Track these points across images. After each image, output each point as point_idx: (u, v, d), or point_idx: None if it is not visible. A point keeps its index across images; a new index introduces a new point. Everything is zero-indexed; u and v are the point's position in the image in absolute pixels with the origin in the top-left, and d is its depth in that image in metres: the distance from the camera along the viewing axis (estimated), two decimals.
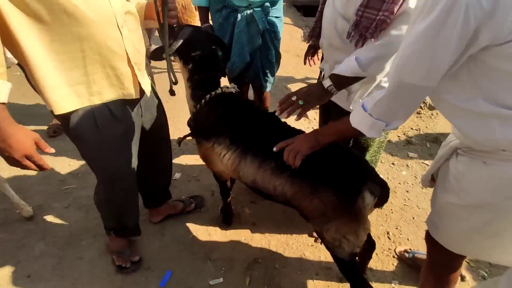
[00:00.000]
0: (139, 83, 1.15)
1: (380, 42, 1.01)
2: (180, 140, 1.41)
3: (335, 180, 1.04)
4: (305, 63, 1.65)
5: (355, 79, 1.08)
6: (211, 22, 1.77)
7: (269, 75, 1.87)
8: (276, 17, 1.73)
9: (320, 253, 1.66)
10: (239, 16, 1.63)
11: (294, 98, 1.09)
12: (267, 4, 1.64)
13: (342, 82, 1.08)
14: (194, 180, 2.11)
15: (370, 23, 0.99)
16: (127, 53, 1.04)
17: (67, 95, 0.97)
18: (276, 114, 1.11)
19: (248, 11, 1.63)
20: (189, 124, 1.38)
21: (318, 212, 1.05)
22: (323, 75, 1.46)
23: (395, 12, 0.95)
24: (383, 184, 1.03)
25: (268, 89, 1.94)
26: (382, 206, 1.03)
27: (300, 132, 1.19)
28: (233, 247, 1.67)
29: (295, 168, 0.98)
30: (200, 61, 1.28)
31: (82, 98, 1.00)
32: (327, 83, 1.08)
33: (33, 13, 0.83)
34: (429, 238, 1.02)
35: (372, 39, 1.01)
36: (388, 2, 0.95)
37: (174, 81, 1.20)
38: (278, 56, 1.85)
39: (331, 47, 1.23)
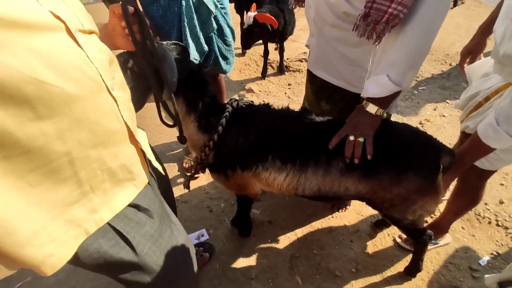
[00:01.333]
0: (144, 154, 0.77)
1: (404, 45, 0.87)
2: (187, 183, 1.14)
3: (412, 162, 0.98)
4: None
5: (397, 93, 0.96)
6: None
7: (229, 57, 1.64)
8: None
9: (342, 221, 1.69)
10: (183, 2, 1.30)
11: (352, 138, 0.95)
12: None
13: (385, 101, 0.96)
14: (180, 203, 1.83)
15: (381, 16, 0.84)
16: (126, 125, 0.67)
17: (57, 236, 0.56)
18: (346, 161, 0.98)
19: None
20: (200, 161, 1.11)
21: (399, 199, 1.00)
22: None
23: (409, 5, 0.81)
24: (452, 153, 1.01)
25: (229, 72, 1.72)
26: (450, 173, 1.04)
27: (338, 120, 1.07)
28: (265, 254, 1.55)
29: (366, 161, 0.89)
30: (196, 83, 1.00)
31: (83, 225, 0.60)
32: (373, 109, 0.96)
33: None
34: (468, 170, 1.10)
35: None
36: None
37: (180, 124, 0.91)
38: (233, 33, 1.62)
39: (320, 20, 1.09)
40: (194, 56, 1.41)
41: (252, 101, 1.16)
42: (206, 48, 1.45)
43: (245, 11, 3.06)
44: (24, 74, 0.44)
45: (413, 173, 0.98)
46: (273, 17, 2.20)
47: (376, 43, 0.93)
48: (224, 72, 1.68)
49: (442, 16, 0.85)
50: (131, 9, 0.68)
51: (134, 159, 0.71)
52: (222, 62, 1.59)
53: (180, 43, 1.05)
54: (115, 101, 0.62)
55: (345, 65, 1.15)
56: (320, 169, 1.01)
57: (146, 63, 0.74)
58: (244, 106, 1.11)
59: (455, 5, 4.21)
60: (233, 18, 1.95)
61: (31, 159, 0.50)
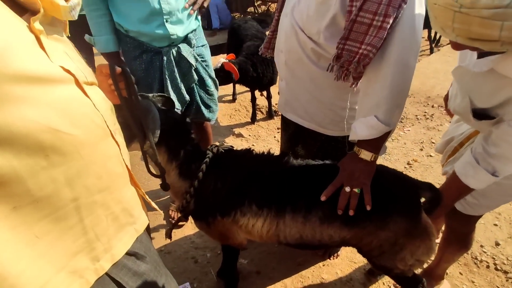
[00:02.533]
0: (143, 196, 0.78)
1: (384, 86, 0.91)
2: (170, 232, 1.11)
3: (392, 202, 0.96)
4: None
5: (386, 134, 0.98)
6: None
7: (212, 106, 1.69)
8: (202, 45, 1.55)
9: (334, 269, 1.60)
10: (164, 58, 1.39)
11: (348, 189, 0.94)
12: (190, 35, 1.44)
13: (377, 144, 0.97)
14: (163, 254, 1.74)
15: (353, 56, 0.89)
16: (127, 168, 0.69)
17: None
18: (339, 213, 0.96)
19: (173, 50, 1.41)
20: (182, 209, 1.09)
21: (388, 244, 0.96)
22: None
23: (378, 46, 0.87)
24: (431, 187, 1.00)
25: (213, 120, 1.76)
26: (434, 211, 1.00)
27: (331, 166, 1.05)
28: None
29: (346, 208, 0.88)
30: (179, 133, 1.03)
31: (85, 276, 0.58)
32: (367, 155, 0.96)
33: None
34: (452, 216, 1.12)
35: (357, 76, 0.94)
36: (371, 35, 0.86)
37: (163, 171, 0.91)
38: (215, 83, 1.69)
39: (292, 61, 1.13)
40: (176, 106, 1.46)
41: (232, 146, 1.17)
42: (187, 98, 1.51)
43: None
44: (42, 125, 0.46)
45: (395, 213, 0.95)
46: (236, 69, 2.35)
47: (354, 86, 0.98)
48: (208, 120, 1.72)
49: (415, 54, 0.91)
50: (118, 69, 0.73)
51: (134, 201, 0.71)
52: (205, 111, 1.64)
53: (165, 94, 1.10)
54: (118, 145, 0.65)
55: (316, 107, 1.16)
56: (299, 215, 0.98)
57: (130, 116, 0.77)
58: (223, 151, 1.12)
59: (431, 52, 4.50)
60: None
61: (39, 209, 0.49)
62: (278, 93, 1.32)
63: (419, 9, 0.88)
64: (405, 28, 0.87)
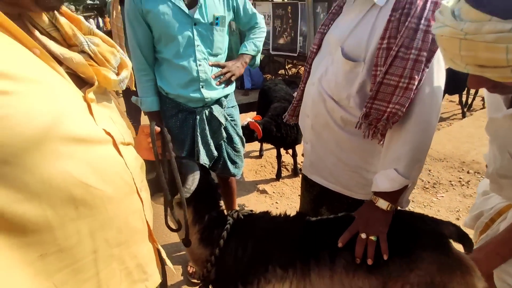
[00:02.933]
0: (159, 253, 0.80)
1: (405, 141, 0.95)
2: None
3: (417, 241, 0.91)
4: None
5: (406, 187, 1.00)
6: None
7: (238, 162, 1.77)
8: (232, 106, 1.69)
9: None
10: (197, 117, 1.53)
11: (364, 236, 0.94)
12: (222, 98, 1.59)
13: (395, 196, 0.98)
14: None
15: (381, 115, 0.95)
16: (147, 224, 0.73)
17: None
18: (357, 261, 0.94)
19: (206, 110, 1.55)
20: (202, 278, 1.08)
21: (424, 285, 0.87)
22: None
23: (406, 105, 0.92)
24: (451, 223, 0.95)
25: (239, 175, 1.81)
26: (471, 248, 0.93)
27: (349, 217, 1.04)
28: None
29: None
30: (208, 197, 1.09)
31: None
32: (384, 204, 0.97)
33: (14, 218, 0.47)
34: None
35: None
36: (398, 95, 0.92)
37: (187, 228, 0.93)
38: (242, 141, 1.79)
39: (319, 125, 1.18)
40: (204, 160, 1.55)
41: (251, 210, 1.19)
42: (215, 153, 1.60)
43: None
44: (78, 180, 0.53)
45: (420, 249, 0.89)
46: (260, 129, 2.48)
47: (381, 142, 1.01)
48: (233, 175, 1.78)
49: (436, 112, 0.96)
50: (157, 129, 0.82)
51: (149, 258, 0.73)
52: (231, 166, 1.71)
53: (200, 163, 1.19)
54: (142, 201, 0.69)
55: (342, 169, 1.18)
56: (325, 268, 0.94)
57: (162, 172, 0.83)
58: (243, 216, 1.13)
59: (463, 116, 4.43)
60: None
61: (61, 258, 0.52)
62: (302, 154, 1.36)
63: (438, 68, 0.93)
64: (425, 87, 0.92)
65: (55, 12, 0.59)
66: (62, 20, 0.60)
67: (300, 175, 3.06)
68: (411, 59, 0.90)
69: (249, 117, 2.69)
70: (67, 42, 0.60)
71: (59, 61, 0.57)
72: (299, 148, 3.15)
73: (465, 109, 4.50)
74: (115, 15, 2.70)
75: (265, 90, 3.15)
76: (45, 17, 0.58)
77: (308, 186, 1.38)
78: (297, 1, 6.23)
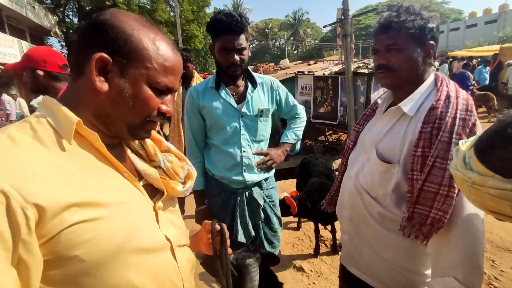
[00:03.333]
0: None
1: (459, 248, 0.94)
2: None
3: None
4: None
5: None
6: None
7: (275, 242, 1.79)
8: (271, 187, 1.77)
9: None
10: (238, 198, 1.63)
11: None
12: (262, 181, 1.69)
13: None
14: None
15: (424, 219, 0.97)
16: None
17: None
18: None
19: (246, 192, 1.65)
20: None
21: None
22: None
23: (449, 212, 0.95)
24: None
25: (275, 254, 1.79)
26: None
27: None
28: None
29: None
30: None
31: None
32: None
33: None
34: None
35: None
36: (439, 201, 0.95)
37: None
38: (280, 221, 1.82)
39: (357, 218, 1.20)
40: (241, 240, 1.59)
41: None
42: (253, 233, 1.65)
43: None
44: (137, 286, 0.62)
45: None
46: (295, 204, 2.48)
47: (424, 242, 1.00)
48: None
49: (482, 219, 0.94)
50: (217, 227, 0.91)
51: None
52: (267, 246, 1.73)
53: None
54: None
55: (382, 266, 1.15)
56: None
57: (219, 268, 0.90)
58: None
59: None
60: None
61: None
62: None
63: None
64: None
65: None
66: (148, 141, 0.78)
67: (340, 254, 2.93)
68: (448, 169, 0.93)
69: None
70: (149, 158, 0.77)
71: (140, 174, 0.73)
72: (338, 224, 3.04)
73: None
74: (176, 94, 3.15)
75: (305, 163, 3.25)
76: (136, 140, 0.76)
77: (347, 277, 1.34)
78: (337, 75, 6.62)
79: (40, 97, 2.26)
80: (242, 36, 1.47)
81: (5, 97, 7.20)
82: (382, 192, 1.09)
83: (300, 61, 14.46)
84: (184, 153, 1.20)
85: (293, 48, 50.42)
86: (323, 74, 7.10)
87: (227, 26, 1.42)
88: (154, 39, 0.64)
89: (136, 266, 0.62)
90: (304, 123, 1.83)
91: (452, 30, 36.30)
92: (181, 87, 3.18)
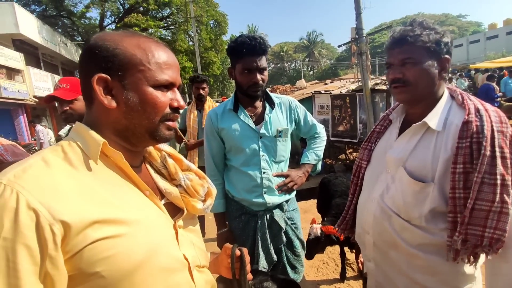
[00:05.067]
0: None
1: None
2: None
3: None
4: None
5: None
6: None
7: (298, 267, 1.72)
8: (293, 209, 1.73)
9: None
10: (259, 221, 1.61)
11: None
12: (283, 202, 1.66)
13: None
14: None
15: (479, 240, 0.93)
16: None
17: None
18: None
19: (267, 214, 1.62)
20: None
21: None
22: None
23: (507, 229, 0.91)
24: None
25: (299, 280, 1.71)
26: None
27: None
28: None
29: None
30: None
31: None
32: None
33: None
34: None
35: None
36: (493, 219, 0.91)
37: None
38: (303, 244, 1.76)
39: (385, 244, 1.13)
40: (263, 265, 1.55)
41: None
42: (275, 258, 1.59)
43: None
44: None
45: None
46: (336, 230, 2.31)
47: (473, 264, 0.97)
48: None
49: None
50: (237, 252, 0.90)
51: None
52: (290, 271, 1.66)
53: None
54: None
55: None
56: None
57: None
58: None
59: None
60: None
61: None
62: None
63: None
64: None
65: (166, 155, 0.79)
66: (170, 161, 0.79)
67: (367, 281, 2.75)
68: (498, 184, 0.91)
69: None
70: (171, 177, 0.79)
71: (162, 193, 0.74)
72: None
73: None
74: (192, 118, 3.25)
75: (325, 183, 3.16)
76: (158, 159, 0.79)
77: None
78: (355, 93, 6.59)
79: (67, 127, 2.38)
80: (264, 58, 1.51)
81: (39, 127, 7.68)
82: (417, 213, 1.03)
83: (316, 81, 14.58)
84: None
85: (309, 69, 51.05)
86: (340, 92, 7.08)
87: (251, 47, 1.46)
88: (138, 44, 0.66)
89: (154, 284, 0.62)
90: (325, 142, 1.80)
91: (472, 42, 35.52)
92: (195, 111, 3.28)
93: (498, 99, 7.81)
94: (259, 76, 1.49)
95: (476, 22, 48.77)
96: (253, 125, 1.59)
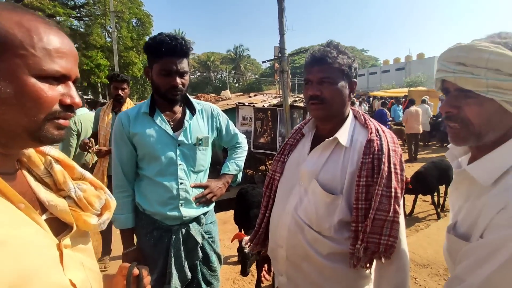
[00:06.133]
0: None
1: (398, 265, 1.05)
2: None
3: None
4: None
5: None
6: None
7: (214, 282, 1.63)
8: (211, 222, 1.65)
9: None
10: (173, 236, 1.47)
11: None
12: (201, 215, 1.57)
13: None
14: None
15: (377, 247, 1.01)
16: None
17: None
18: None
19: (183, 229, 1.50)
20: None
21: None
22: None
23: (397, 236, 1.01)
24: None
25: None
26: None
27: None
28: None
29: None
30: None
31: None
32: None
33: None
34: None
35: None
36: (387, 228, 1.00)
37: None
38: (219, 258, 1.68)
39: (296, 257, 1.15)
40: (175, 285, 1.42)
41: None
42: (189, 276, 1.48)
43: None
44: None
45: None
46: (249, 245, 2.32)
47: (369, 269, 1.07)
48: None
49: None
50: (135, 271, 0.79)
51: None
52: None
53: None
54: None
55: None
56: None
57: None
58: None
59: (438, 217, 4.53)
60: None
61: None
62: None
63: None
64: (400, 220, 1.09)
65: (52, 160, 0.65)
66: (57, 168, 0.65)
67: None
68: (393, 196, 1.02)
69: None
70: (57, 187, 0.64)
71: (44, 206, 0.60)
72: None
73: (439, 209, 4.64)
74: (106, 121, 2.87)
75: (242, 193, 3.16)
76: (41, 166, 0.64)
77: None
78: (276, 107, 6.95)
79: None
80: (185, 60, 1.41)
81: None
82: (327, 224, 1.08)
83: (241, 93, 14.93)
84: (109, 186, 1.04)
85: (235, 81, 52.21)
86: (263, 106, 7.38)
87: (172, 48, 1.35)
88: (19, 22, 0.53)
89: None
90: (246, 153, 1.79)
91: (371, 73, 42.51)
92: (111, 113, 2.92)
93: (389, 122, 9.35)
94: (178, 80, 1.40)
95: (374, 57, 58.19)
96: (170, 131, 1.47)
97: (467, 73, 0.72)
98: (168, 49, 1.35)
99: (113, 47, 15.36)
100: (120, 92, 2.87)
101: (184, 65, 1.40)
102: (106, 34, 20.63)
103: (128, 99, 3.00)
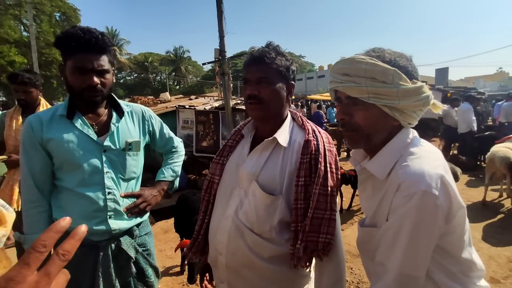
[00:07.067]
0: None
1: (338, 266, 1.08)
2: None
3: None
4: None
5: None
6: None
7: None
8: (145, 233, 1.51)
9: None
10: (101, 253, 1.30)
11: None
12: (134, 227, 1.43)
13: None
14: None
15: (315, 245, 1.02)
16: None
17: None
18: None
19: (112, 244, 1.34)
20: None
21: None
22: None
23: (335, 234, 1.04)
24: None
25: None
26: None
27: None
28: None
29: None
30: None
31: None
32: None
33: None
34: None
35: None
36: (324, 226, 1.02)
37: None
38: (156, 271, 1.54)
39: (236, 263, 1.11)
40: None
41: None
42: None
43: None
44: None
45: None
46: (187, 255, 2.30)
47: (308, 268, 1.10)
48: None
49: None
50: None
51: None
52: None
53: None
54: None
55: None
56: None
57: None
58: None
59: (341, 211, 4.94)
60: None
61: None
62: None
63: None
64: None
65: None
66: None
67: None
68: (329, 194, 1.05)
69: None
70: None
71: None
72: None
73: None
74: (15, 127, 2.45)
75: (182, 200, 3.02)
76: None
77: None
78: (218, 110, 6.88)
79: None
80: (104, 57, 1.27)
81: None
82: (268, 226, 1.07)
83: (181, 96, 14.45)
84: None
85: (175, 83, 50.45)
86: (204, 108, 7.24)
87: (85, 42, 1.20)
88: None
89: None
90: (183, 157, 1.69)
91: (308, 78, 45.26)
92: (20, 117, 2.51)
93: (325, 124, 10.01)
94: (96, 79, 1.25)
95: (311, 63, 61.96)
96: (94, 136, 1.31)
97: (351, 82, 0.83)
98: (81, 44, 1.20)
99: (30, 42, 13.52)
100: (22, 96, 2.41)
101: (102, 62, 1.26)
102: (22, 27, 18.12)
103: (43, 101, 2.57)
